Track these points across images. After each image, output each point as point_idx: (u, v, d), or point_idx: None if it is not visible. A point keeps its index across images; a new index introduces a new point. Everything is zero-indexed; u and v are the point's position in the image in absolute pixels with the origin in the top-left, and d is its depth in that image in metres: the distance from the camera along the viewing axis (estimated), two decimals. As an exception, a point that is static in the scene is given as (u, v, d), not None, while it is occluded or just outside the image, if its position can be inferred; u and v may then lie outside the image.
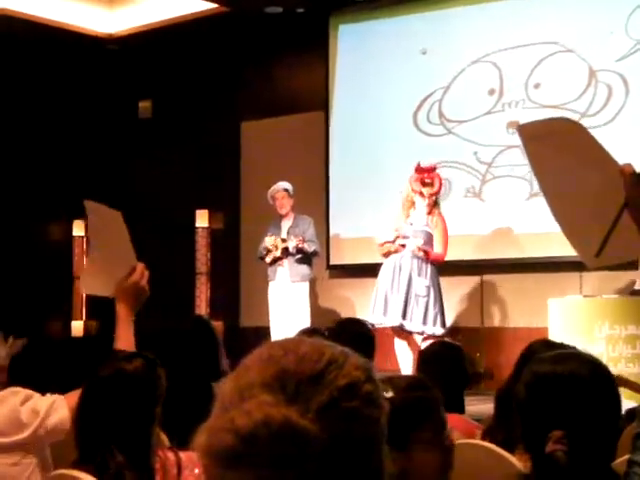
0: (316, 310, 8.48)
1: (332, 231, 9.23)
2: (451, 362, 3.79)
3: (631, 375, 6.01)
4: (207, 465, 0.94)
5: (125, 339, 2.68)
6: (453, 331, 7.70)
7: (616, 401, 1.83)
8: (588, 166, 2.03)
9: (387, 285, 7.11)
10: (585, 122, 7.99)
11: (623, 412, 1.95)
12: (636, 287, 6.86)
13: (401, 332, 7.15)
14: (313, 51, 9.58)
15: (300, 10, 9.39)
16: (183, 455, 2.42)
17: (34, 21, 9.74)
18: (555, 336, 5.66)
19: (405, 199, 7.26)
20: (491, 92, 8.54)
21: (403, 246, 7.12)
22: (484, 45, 8.58)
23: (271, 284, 8.19)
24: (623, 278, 7.30)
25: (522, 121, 3.31)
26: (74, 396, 2.66)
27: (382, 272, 7.25)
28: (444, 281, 7.58)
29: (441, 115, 8.82)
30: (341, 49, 9.44)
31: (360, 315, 7.88)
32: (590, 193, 2.03)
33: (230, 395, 0.95)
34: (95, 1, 10.23)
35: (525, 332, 7.19)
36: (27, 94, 10.31)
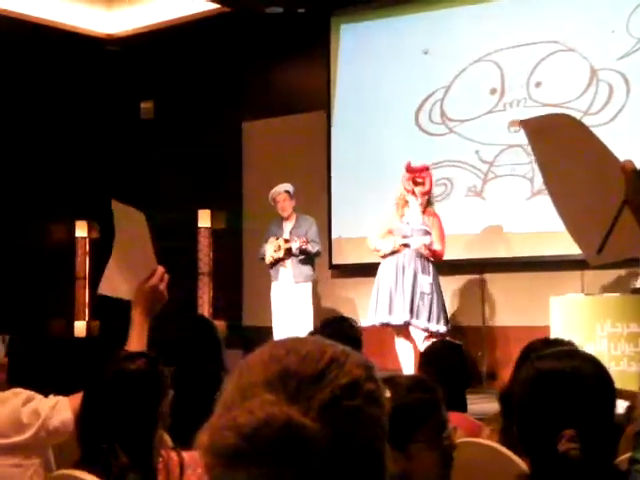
0: (319, 310, 8.48)
1: (334, 231, 9.22)
2: (452, 361, 3.79)
3: (633, 373, 6.02)
4: (209, 464, 0.94)
5: (138, 343, 2.65)
6: (455, 330, 7.69)
7: (614, 399, 1.83)
8: (589, 162, 2.03)
9: (391, 284, 7.14)
10: (586, 121, 7.96)
11: (623, 410, 1.95)
12: (637, 285, 6.85)
13: (403, 331, 7.17)
14: (314, 51, 9.58)
15: (301, 10, 9.39)
16: (186, 455, 2.42)
17: (34, 22, 9.76)
18: (557, 335, 5.66)
19: (398, 198, 7.32)
20: (492, 91, 8.54)
21: (405, 245, 7.15)
22: (485, 44, 8.58)
23: (274, 284, 8.18)
24: (625, 276, 7.30)
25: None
26: (78, 398, 2.63)
27: (383, 272, 7.27)
28: (446, 280, 7.58)
29: (443, 114, 8.82)
30: (342, 49, 9.44)
31: (362, 315, 7.89)
32: (591, 189, 2.03)
33: (232, 394, 0.96)
34: (95, 2, 10.24)
35: (527, 331, 7.17)
36: (28, 96, 10.31)
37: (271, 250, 8.02)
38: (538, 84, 8.30)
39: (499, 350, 8.11)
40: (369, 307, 7.37)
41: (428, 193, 7.33)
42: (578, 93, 8.08)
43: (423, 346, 6.25)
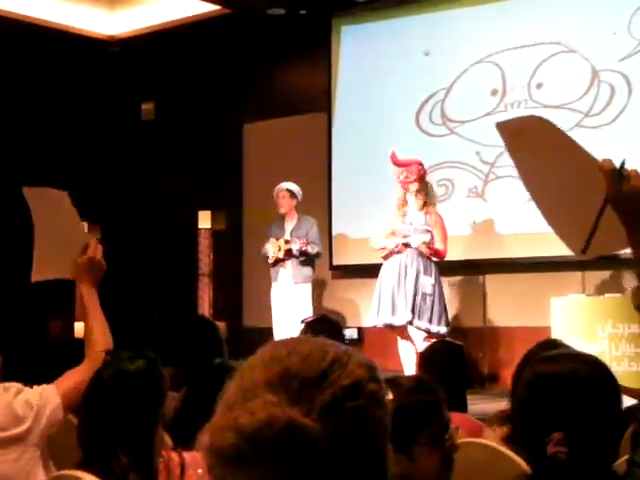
0: (319, 311, 8.46)
1: (335, 232, 9.22)
2: (453, 361, 3.79)
3: (634, 374, 6.02)
4: (211, 464, 0.94)
5: (94, 313, 2.80)
6: (456, 331, 7.68)
7: (617, 401, 1.83)
8: (567, 163, 2.02)
9: (393, 284, 7.13)
10: (588, 122, 8.01)
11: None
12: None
13: (405, 332, 7.16)
14: (315, 52, 9.58)
15: (303, 12, 9.39)
16: (187, 455, 2.41)
17: (35, 24, 9.76)
18: (558, 335, 5.66)
19: (399, 199, 7.33)
20: (494, 92, 8.54)
21: (406, 245, 7.14)
22: (486, 46, 8.58)
23: (274, 285, 8.19)
24: (625, 277, 7.30)
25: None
26: (63, 382, 2.71)
27: (385, 272, 7.26)
28: (447, 281, 7.58)
29: (444, 115, 8.82)
30: (343, 50, 9.44)
31: (364, 316, 7.89)
32: (572, 190, 2.02)
33: (234, 395, 0.95)
34: (97, 4, 10.25)
35: (528, 332, 7.17)
36: (29, 97, 10.31)
37: (272, 250, 8.04)
38: (539, 85, 8.30)
39: (500, 351, 8.11)
40: (371, 308, 7.36)
41: (417, 181, 7.22)
42: (579, 94, 8.08)
43: (422, 347, 6.25)
